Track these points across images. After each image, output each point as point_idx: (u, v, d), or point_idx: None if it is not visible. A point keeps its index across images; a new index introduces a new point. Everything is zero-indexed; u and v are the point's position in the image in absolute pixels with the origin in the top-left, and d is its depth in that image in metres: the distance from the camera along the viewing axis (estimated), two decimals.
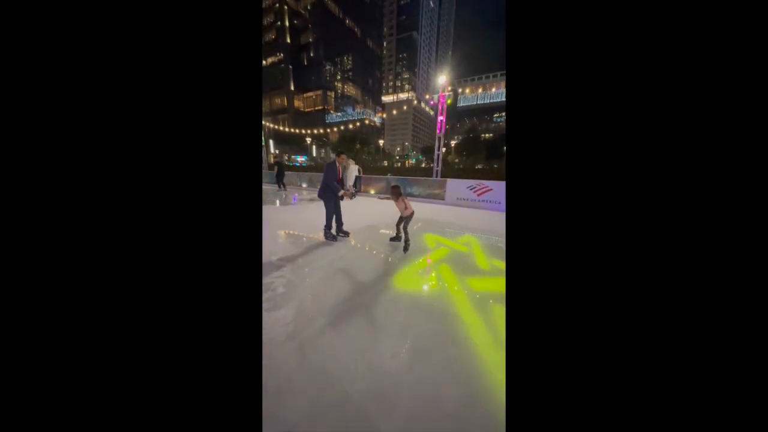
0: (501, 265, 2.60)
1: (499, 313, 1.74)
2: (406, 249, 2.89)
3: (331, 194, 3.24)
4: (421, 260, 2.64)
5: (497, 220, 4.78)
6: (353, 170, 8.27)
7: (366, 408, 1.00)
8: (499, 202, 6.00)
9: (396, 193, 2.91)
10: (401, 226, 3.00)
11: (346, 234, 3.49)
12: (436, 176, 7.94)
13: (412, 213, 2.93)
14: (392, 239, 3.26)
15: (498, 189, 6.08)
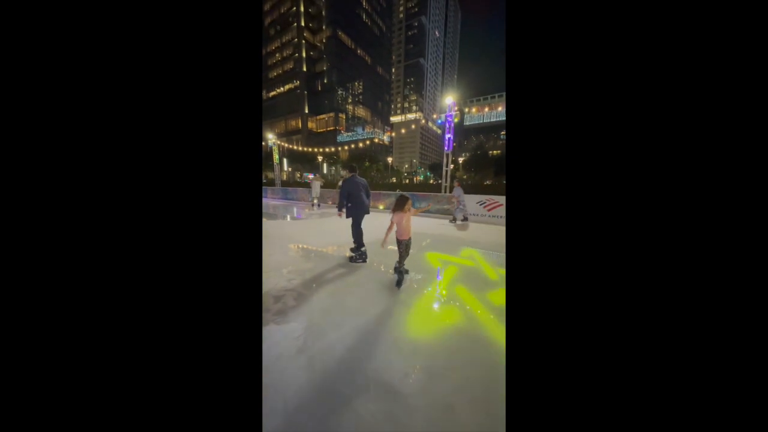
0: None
1: None
2: (399, 284, 2.22)
3: (361, 212, 2.80)
4: (431, 289, 2.22)
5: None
6: (316, 185, 8.85)
7: None
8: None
9: (402, 205, 2.16)
10: (402, 255, 2.30)
11: (362, 258, 2.91)
12: (445, 192, 7.99)
13: (410, 238, 2.31)
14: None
15: None
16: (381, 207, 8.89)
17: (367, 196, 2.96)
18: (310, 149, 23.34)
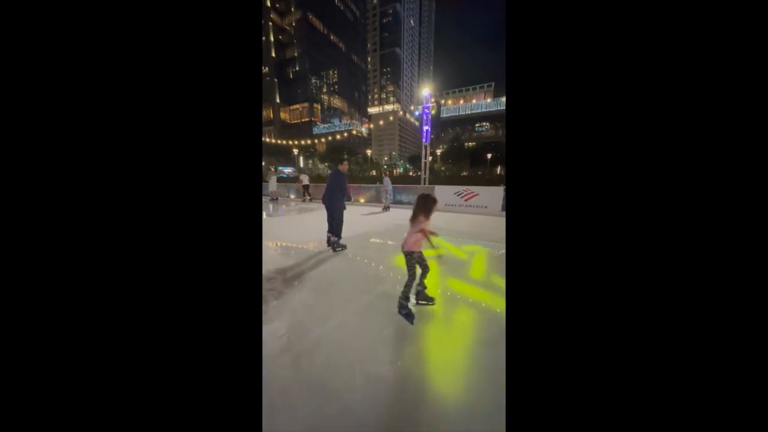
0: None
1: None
2: (411, 318, 1.59)
3: (341, 203, 3.10)
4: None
5: (487, 223, 4.94)
6: (273, 180, 8.95)
7: None
8: (486, 206, 6.21)
9: (428, 207, 1.57)
10: (416, 272, 1.64)
11: (344, 247, 3.28)
12: (424, 183, 8.14)
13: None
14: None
15: (483, 194, 6.31)
16: (362, 200, 8.81)
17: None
18: (284, 142, 22.12)
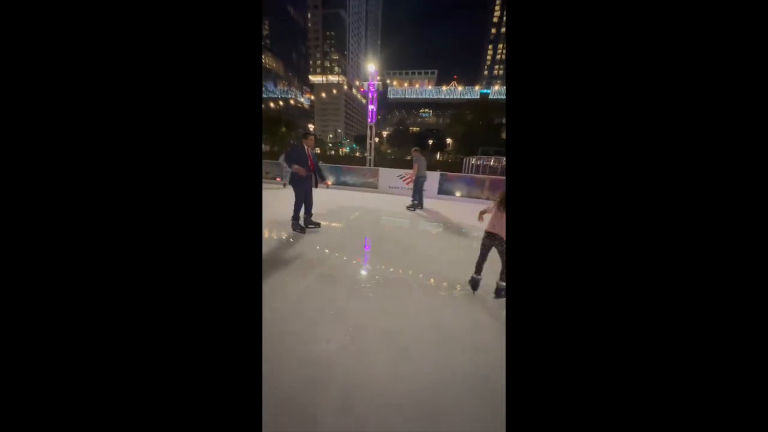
0: None
1: None
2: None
3: (301, 181, 2.91)
4: None
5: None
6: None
7: None
8: (425, 190, 6.75)
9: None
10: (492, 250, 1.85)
11: (317, 225, 3.19)
12: (369, 165, 8.12)
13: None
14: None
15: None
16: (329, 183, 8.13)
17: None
18: None
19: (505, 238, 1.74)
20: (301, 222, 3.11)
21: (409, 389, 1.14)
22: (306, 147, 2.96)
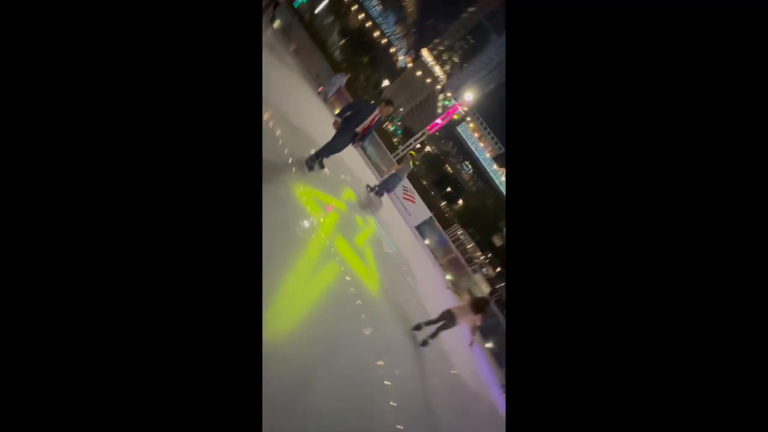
0: None
1: None
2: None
3: (347, 133, 2.80)
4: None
5: None
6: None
7: None
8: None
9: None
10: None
11: (322, 167, 3.17)
12: (395, 157, 8.03)
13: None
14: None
15: None
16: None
17: None
18: None
19: (456, 320, 2.12)
20: (317, 163, 3.03)
21: None
22: (377, 112, 2.91)
